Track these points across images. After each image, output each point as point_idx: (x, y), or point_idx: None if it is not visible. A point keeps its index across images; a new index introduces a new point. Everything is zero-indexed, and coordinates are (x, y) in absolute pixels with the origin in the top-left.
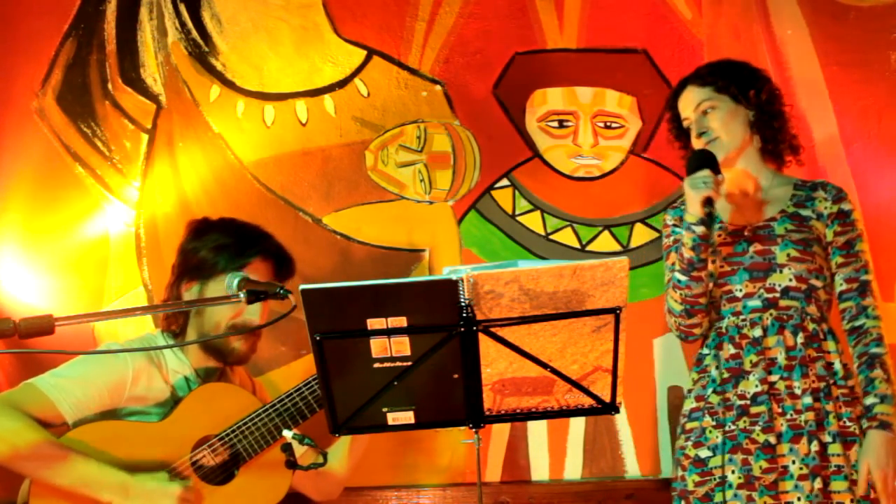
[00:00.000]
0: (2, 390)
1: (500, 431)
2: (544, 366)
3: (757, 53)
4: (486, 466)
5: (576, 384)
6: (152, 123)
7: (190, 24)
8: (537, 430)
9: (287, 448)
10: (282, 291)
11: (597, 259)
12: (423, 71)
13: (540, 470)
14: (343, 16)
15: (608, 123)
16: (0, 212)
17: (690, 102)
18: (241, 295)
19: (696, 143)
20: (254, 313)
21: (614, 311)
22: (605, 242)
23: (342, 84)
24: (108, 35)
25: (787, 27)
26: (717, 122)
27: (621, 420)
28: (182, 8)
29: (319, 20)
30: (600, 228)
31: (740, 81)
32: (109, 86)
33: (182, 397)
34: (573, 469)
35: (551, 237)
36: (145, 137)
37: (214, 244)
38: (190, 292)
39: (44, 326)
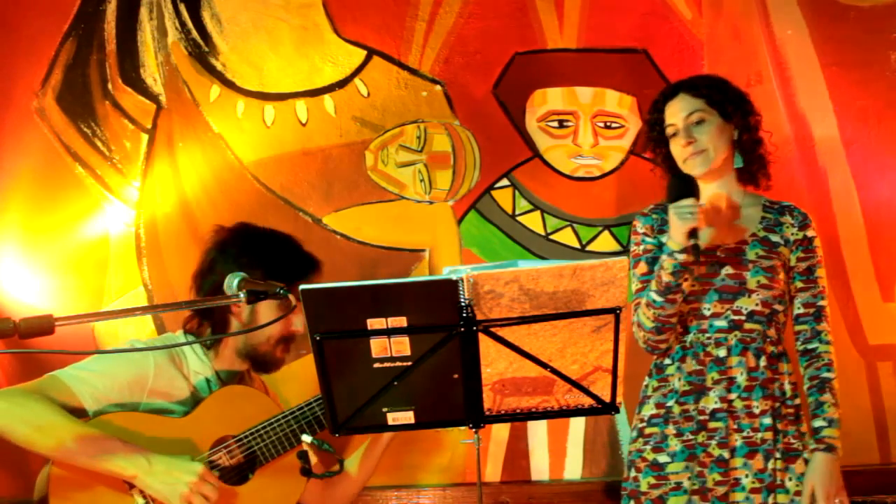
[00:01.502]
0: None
1: (500, 431)
2: (544, 366)
3: (757, 53)
4: (486, 466)
5: (576, 384)
6: (152, 123)
7: (190, 24)
8: (537, 430)
9: (303, 455)
10: (282, 291)
11: (597, 259)
12: (423, 71)
13: (540, 470)
14: (343, 16)
15: (608, 123)
16: (0, 212)
17: (681, 110)
18: (242, 295)
19: (681, 151)
20: (299, 324)
21: (614, 311)
22: (605, 242)
23: (342, 84)
24: (108, 35)
25: (787, 27)
26: (707, 134)
27: (621, 420)
28: (182, 8)
29: (319, 20)
30: (600, 228)
31: (731, 100)
32: (109, 86)
33: (203, 398)
34: (573, 469)
35: (551, 237)
36: (145, 137)
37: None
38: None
39: (44, 326)
